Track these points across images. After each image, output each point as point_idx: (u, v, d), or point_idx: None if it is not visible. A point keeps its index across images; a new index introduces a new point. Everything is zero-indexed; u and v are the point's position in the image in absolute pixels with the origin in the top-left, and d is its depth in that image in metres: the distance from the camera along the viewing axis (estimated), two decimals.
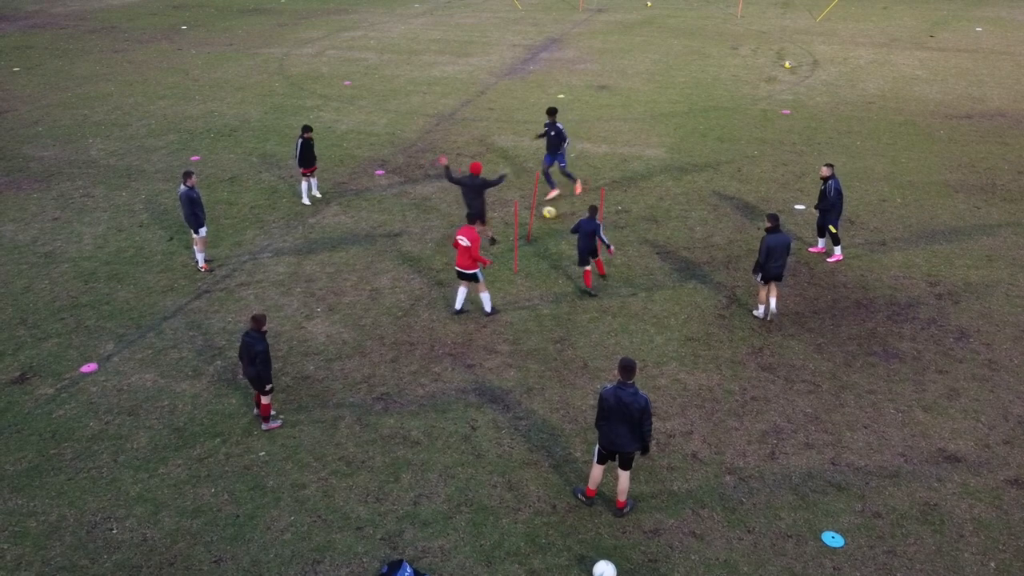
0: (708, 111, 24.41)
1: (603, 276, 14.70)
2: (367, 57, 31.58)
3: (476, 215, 13.93)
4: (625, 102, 25.38)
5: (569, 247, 15.84)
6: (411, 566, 8.58)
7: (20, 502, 9.66)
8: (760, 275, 12.97)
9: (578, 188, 18.29)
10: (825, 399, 11.46)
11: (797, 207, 17.57)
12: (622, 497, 9.40)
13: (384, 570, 8.52)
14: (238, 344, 12.16)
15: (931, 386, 11.73)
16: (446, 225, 16.82)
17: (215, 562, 8.84)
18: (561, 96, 26.01)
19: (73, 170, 20.01)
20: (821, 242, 15.56)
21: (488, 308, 13.50)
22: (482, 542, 9.09)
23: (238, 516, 9.45)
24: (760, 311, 13.43)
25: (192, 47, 33.29)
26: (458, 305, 13.50)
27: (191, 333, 13.06)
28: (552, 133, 17.47)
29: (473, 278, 13.15)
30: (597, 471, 9.41)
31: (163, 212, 17.52)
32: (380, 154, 20.97)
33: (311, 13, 41.32)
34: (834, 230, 14.99)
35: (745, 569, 8.74)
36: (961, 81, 27.55)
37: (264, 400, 10.67)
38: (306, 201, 17.88)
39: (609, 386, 8.99)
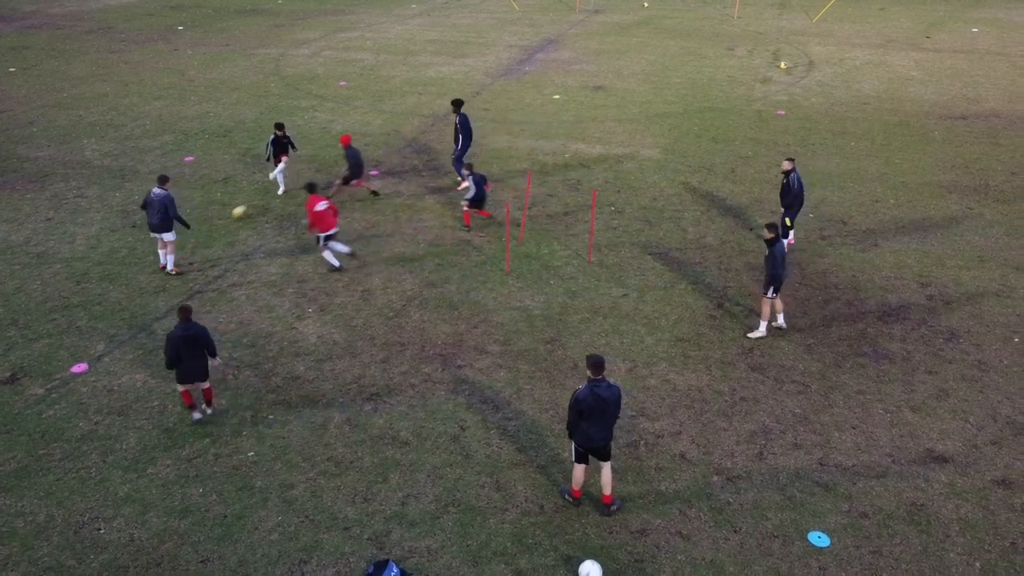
0: (703, 112, 24.44)
1: (467, 227, 16.72)
2: (363, 58, 31.61)
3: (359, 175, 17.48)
4: (620, 103, 25.41)
5: (560, 247, 15.86)
6: (397, 566, 8.59)
7: (8, 502, 9.67)
8: (776, 288, 12.45)
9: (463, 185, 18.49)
10: (814, 399, 11.48)
11: None
12: (608, 490, 9.44)
13: (370, 570, 8.53)
14: (174, 349, 10.47)
15: (920, 387, 11.75)
16: (439, 226, 16.85)
17: (202, 562, 8.85)
18: (556, 97, 26.04)
19: (67, 171, 20.02)
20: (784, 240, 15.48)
21: (338, 262, 14.89)
22: (469, 542, 9.11)
23: (226, 516, 9.46)
24: (763, 329, 12.83)
25: (188, 48, 33.32)
26: (337, 261, 14.84)
27: None
28: (456, 125, 18.28)
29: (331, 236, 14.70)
30: (580, 471, 9.41)
31: None
32: (374, 155, 20.98)
33: (308, 14, 41.36)
34: (789, 224, 15.03)
35: (731, 569, 8.75)
36: (956, 82, 27.59)
37: (206, 385, 10.96)
38: (281, 187, 18.79)
39: (583, 387, 8.96)
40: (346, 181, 17.56)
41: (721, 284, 14.55)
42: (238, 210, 16.91)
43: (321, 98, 26.06)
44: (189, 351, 10.46)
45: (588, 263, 15.29)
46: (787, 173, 14.87)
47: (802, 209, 15.52)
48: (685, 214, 17.40)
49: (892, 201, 18.04)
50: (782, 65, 29.86)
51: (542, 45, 33.86)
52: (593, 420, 8.95)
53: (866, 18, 39.54)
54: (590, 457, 9.39)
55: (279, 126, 18.04)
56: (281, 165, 18.33)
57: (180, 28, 37.43)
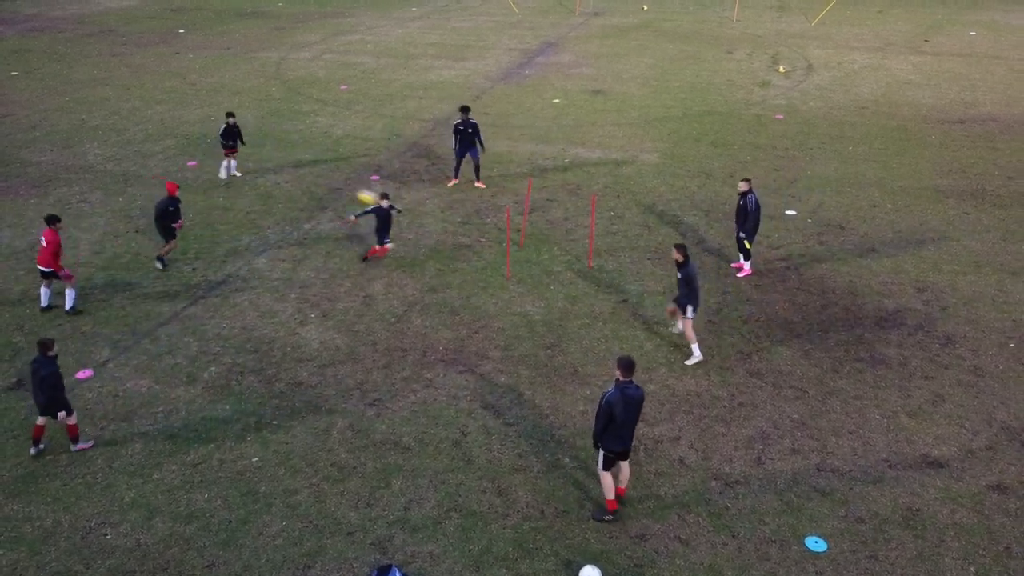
0: (702, 116, 24.57)
1: (367, 259, 15.74)
2: (364, 61, 31.74)
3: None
4: (620, 107, 25.53)
5: (561, 252, 15.99)
6: (400, 571, 8.72)
7: (16, 507, 9.80)
8: (695, 308, 12.32)
9: (480, 184, 19.42)
10: (812, 405, 11.61)
11: (788, 212, 17.72)
12: (625, 484, 9.73)
13: (373, 575, 8.67)
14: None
15: (916, 392, 11.88)
16: (440, 231, 16.97)
17: (207, 567, 8.97)
18: (556, 101, 26.16)
19: (70, 175, 20.14)
20: (742, 258, 15.16)
21: (69, 304, 13.84)
22: (471, 547, 9.24)
23: (231, 521, 9.59)
24: (697, 352, 12.51)
25: (190, 51, 33.44)
26: (44, 302, 13.88)
27: (186, 339, 13.20)
28: (469, 130, 18.51)
29: (53, 275, 13.62)
30: (610, 479, 9.46)
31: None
32: (375, 159, 21.11)
33: (308, 17, 41.47)
34: (748, 245, 14.80)
35: (729, 574, 8.88)
36: (954, 86, 27.72)
37: (70, 421, 10.48)
38: (223, 176, 19.64)
39: (612, 390, 9.03)
40: (169, 235, 15.39)
41: (719, 289, 14.68)
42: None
43: (322, 102, 26.17)
44: (32, 382, 10.27)
45: (588, 268, 15.42)
46: (743, 194, 14.47)
47: (758, 232, 15.16)
48: (684, 219, 17.53)
49: (889, 206, 18.17)
50: (781, 69, 29.99)
51: (542, 48, 33.99)
52: (623, 423, 9.05)
53: (864, 21, 39.68)
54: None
55: (230, 114, 19.01)
56: (229, 162, 19.50)
57: (181, 31, 37.54)
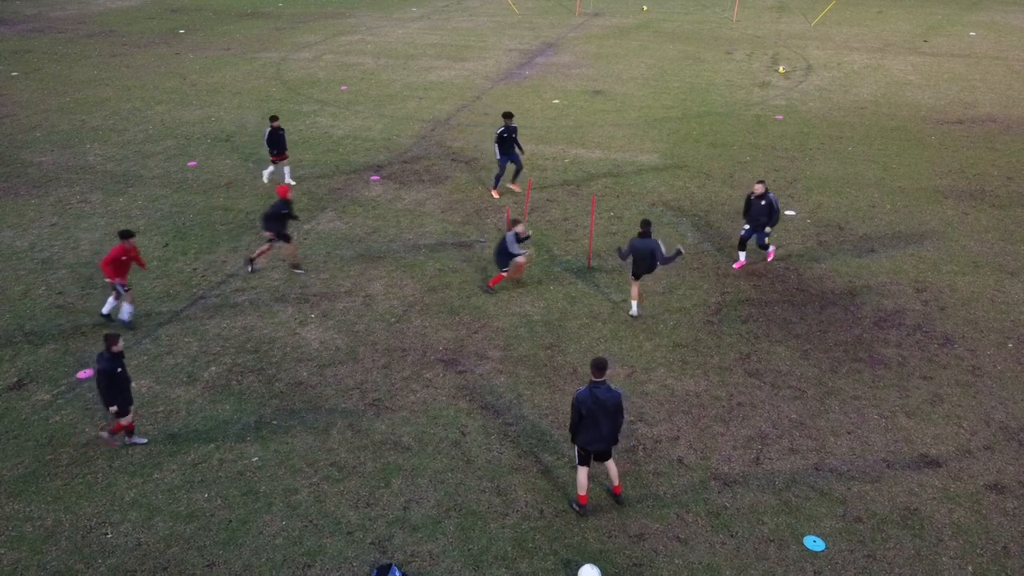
0: (702, 116, 24.61)
1: (491, 289, 14.68)
2: (364, 62, 31.78)
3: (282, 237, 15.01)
4: (620, 107, 25.57)
5: (560, 252, 16.02)
6: (399, 570, 8.76)
7: (17, 507, 9.83)
8: (633, 273, 13.71)
9: (514, 187, 19.03)
10: (810, 405, 11.64)
11: (787, 213, 17.75)
12: (616, 481, 9.76)
13: (373, 574, 8.70)
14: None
15: (915, 392, 11.91)
16: (441, 231, 17.00)
17: (208, 566, 9.01)
18: (556, 101, 26.19)
19: (71, 176, 20.18)
20: (742, 255, 15.42)
21: (125, 317, 13.53)
22: (470, 546, 9.27)
23: (231, 521, 9.62)
24: (634, 309, 13.87)
25: (190, 51, 33.48)
26: (125, 317, 13.53)
27: (186, 339, 13.23)
28: (514, 135, 18.09)
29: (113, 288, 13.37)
30: (583, 474, 9.60)
31: (160, 218, 17.69)
32: (375, 160, 21.15)
33: (308, 17, 41.51)
34: (768, 240, 15.26)
35: (728, 573, 8.91)
36: (953, 86, 27.76)
37: (123, 421, 10.49)
38: (265, 181, 19.55)
39: (583, 388, 9.21)
40: (285, 238, 15.07)
41: (719, 290, 14.72)
42: None
43: (323, 103, 26.21)
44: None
45: (588, 268, 15.45)
46: (763, 195, 14.64)
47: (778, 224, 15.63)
48: (684, 219, 17.56)
49: (888, 206, 18.20)
50: (780, 69, 30.03)
51: (542, 49, 34.02)
52: (592, 423, 9.16)
53: (864, 21, 39.72)
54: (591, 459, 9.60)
55: (274, 117, 18.52)
56: (278, 167, 19.22)
57: (181, 31, 37.58)
